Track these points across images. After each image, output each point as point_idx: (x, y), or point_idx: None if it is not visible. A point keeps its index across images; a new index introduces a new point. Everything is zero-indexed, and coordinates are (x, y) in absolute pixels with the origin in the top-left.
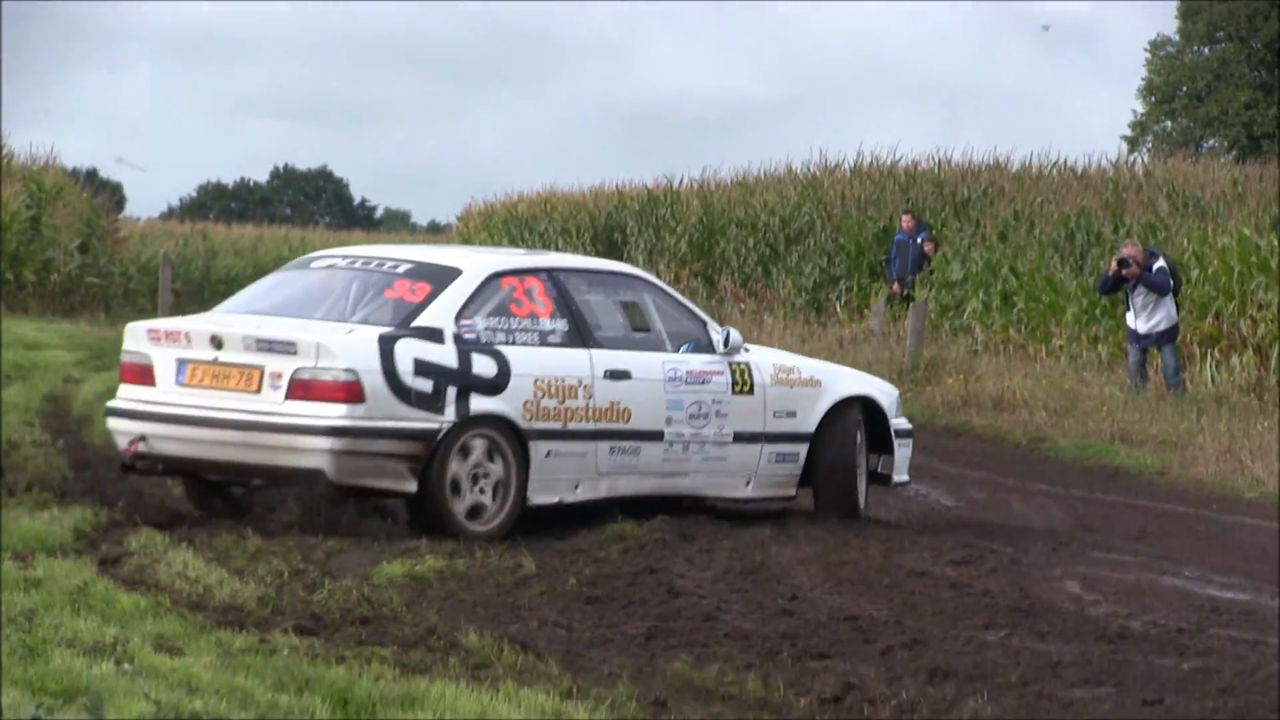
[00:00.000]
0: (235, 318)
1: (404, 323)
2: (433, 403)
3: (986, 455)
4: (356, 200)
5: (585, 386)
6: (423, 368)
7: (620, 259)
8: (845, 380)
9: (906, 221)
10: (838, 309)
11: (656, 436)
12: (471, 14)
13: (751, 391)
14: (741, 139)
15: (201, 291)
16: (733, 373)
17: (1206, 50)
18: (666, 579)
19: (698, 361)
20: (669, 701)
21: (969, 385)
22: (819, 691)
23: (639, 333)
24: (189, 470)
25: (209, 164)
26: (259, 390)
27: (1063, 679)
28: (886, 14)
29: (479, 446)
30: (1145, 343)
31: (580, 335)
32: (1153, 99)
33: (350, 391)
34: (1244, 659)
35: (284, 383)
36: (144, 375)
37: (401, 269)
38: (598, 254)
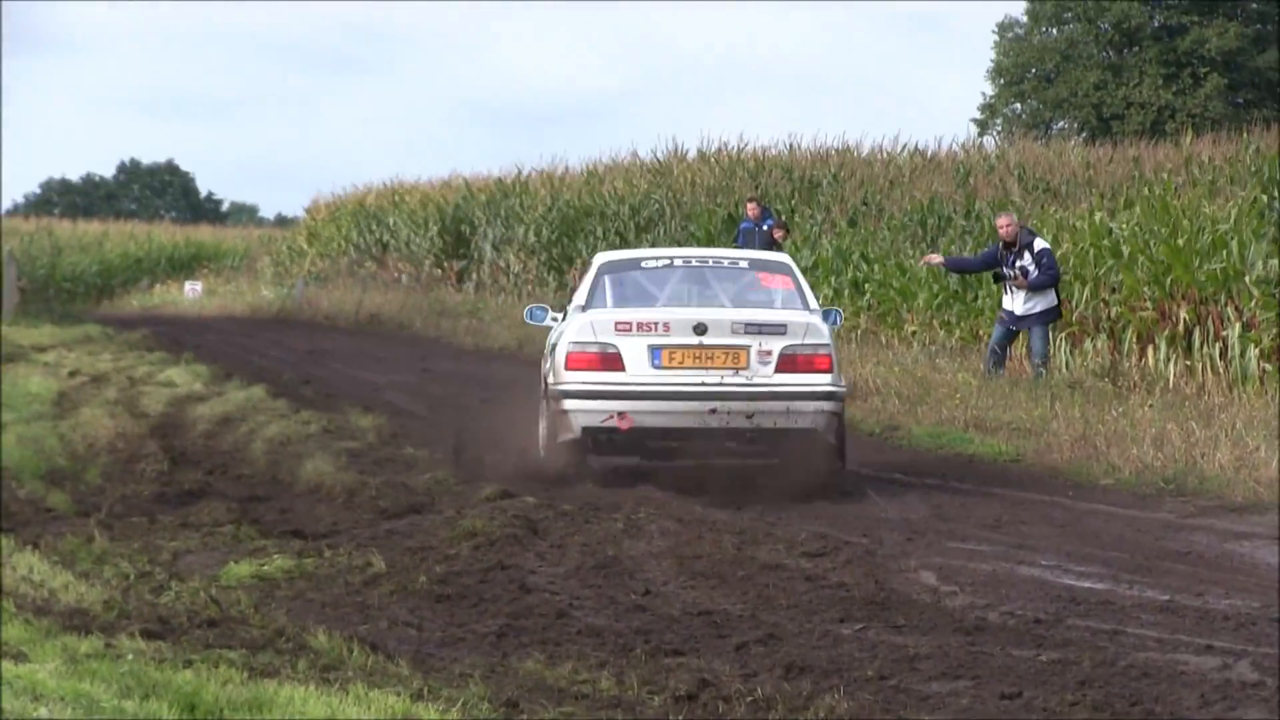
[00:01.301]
0: (701, 309)
1: (806, 306)
2: (838, 371)
3: None
4: (203, 194)
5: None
6: (833, 342)
7: (468, 250)
8: None
9: (751, 209)
10: None
11: None
12: (322, 8)
13: None
14: (590, 130)
15: (47, 288)
16: None
17: (1055, 31)
18: (518, 576)
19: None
20: (521, 702)
21: None
22: (673, 689)
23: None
24: (665, 437)
25: (54, 160)
26: (747, 366)
27: (920, 672)
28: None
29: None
30: (1020, 325)
31: (807, 308)
32: (1002, 81)
33: (830, 363)
34: (1103, 650)
35: (773, 358)
36: (610, 361)
37: (743, 264)
38: (445, 245)
